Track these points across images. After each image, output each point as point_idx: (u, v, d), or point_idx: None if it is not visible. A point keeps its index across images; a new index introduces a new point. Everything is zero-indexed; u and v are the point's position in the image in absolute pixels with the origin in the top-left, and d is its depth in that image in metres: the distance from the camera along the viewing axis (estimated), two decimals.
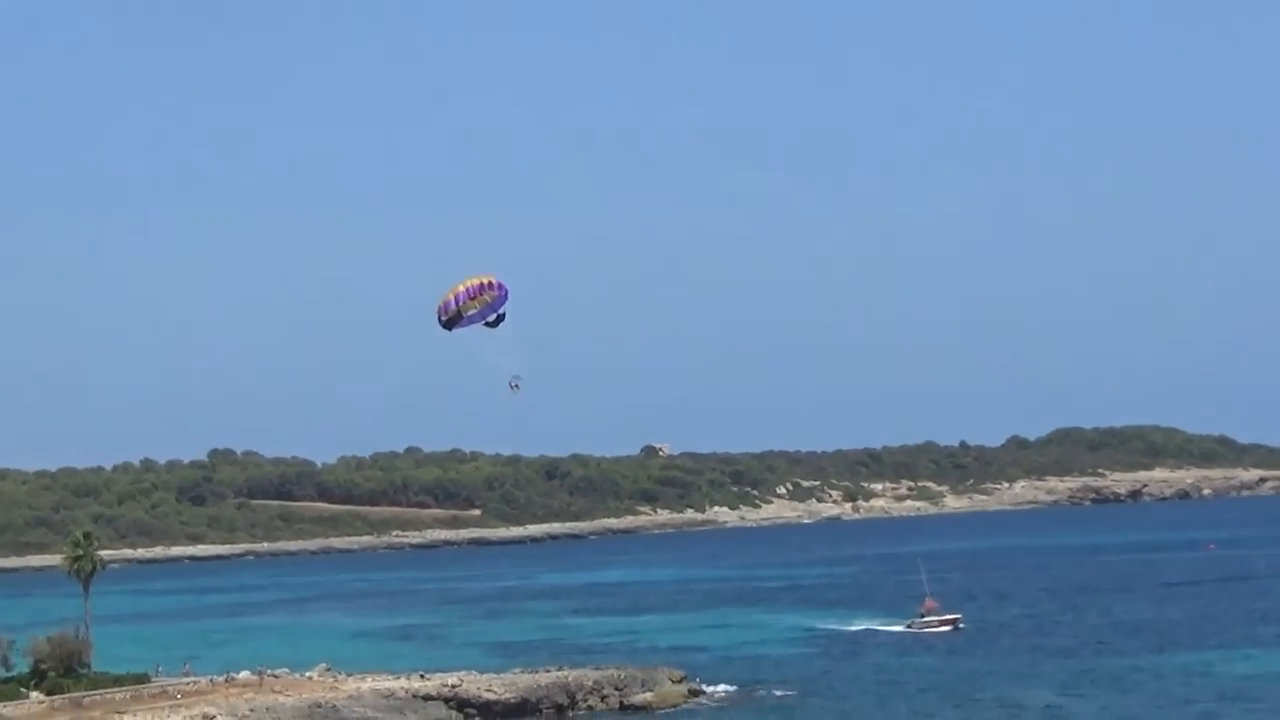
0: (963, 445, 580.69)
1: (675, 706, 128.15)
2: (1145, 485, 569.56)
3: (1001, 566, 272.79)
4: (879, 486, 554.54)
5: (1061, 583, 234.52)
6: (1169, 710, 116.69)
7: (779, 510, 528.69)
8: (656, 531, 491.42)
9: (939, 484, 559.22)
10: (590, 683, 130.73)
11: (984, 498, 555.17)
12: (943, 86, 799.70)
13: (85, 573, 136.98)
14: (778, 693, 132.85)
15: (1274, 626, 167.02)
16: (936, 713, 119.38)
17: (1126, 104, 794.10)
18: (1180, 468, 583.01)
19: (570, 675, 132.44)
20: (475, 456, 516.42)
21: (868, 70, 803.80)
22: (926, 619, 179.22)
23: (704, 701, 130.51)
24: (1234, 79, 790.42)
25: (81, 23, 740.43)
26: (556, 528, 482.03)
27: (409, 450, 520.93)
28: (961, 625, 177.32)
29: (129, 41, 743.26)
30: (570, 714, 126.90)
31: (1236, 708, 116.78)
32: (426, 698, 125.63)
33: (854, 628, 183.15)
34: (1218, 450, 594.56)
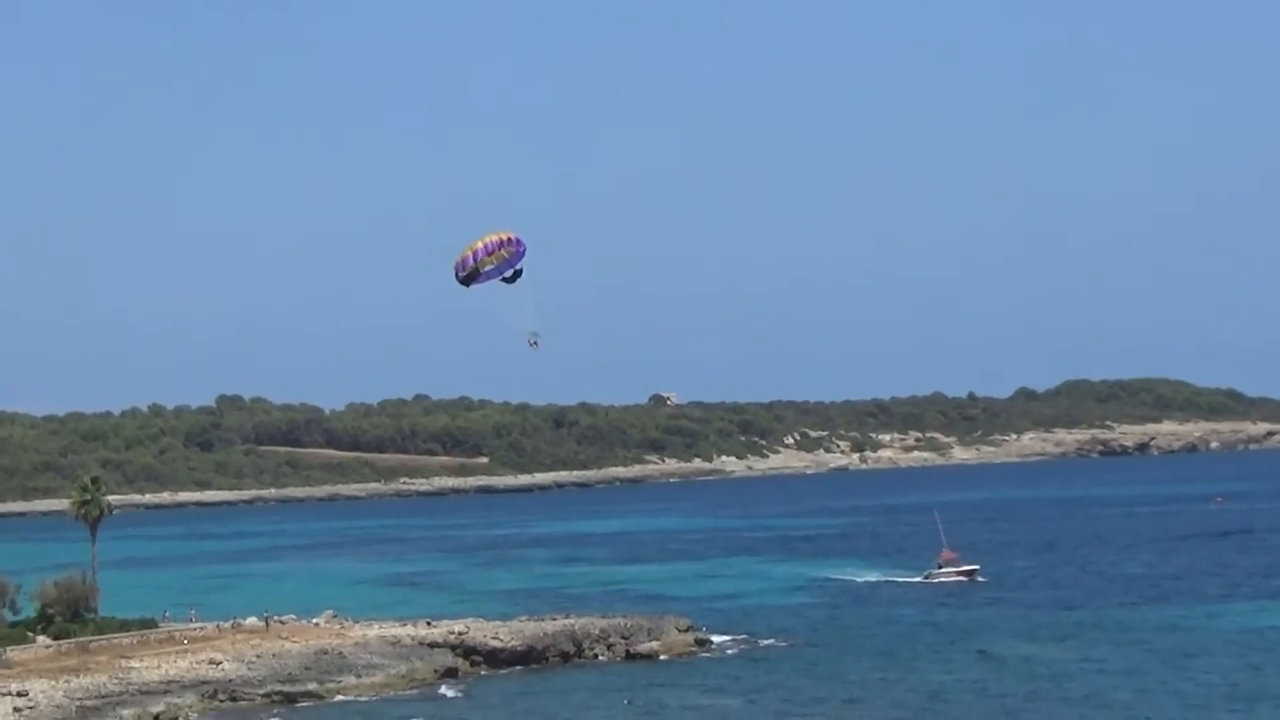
0: (971, 397, 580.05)
1: (682, 656, 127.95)
2: (1153, 438, 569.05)
3: (1012, 519, 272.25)
4: (887, 437, 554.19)
5: (1073, 535, 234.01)
6: (1173, 663, 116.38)
7: (786, 460, 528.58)
8: (664, 481, 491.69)
9: (947, 435, 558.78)
10: (597, 631, 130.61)
11: (992, 449, 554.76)
12: (955, 30, 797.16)
13: (92, 518, 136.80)
14: (785, 643, 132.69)
15: None
16: (941, 663, 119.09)
17: (1129, 61, 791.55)
18: (1188, 421, 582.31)
19: (577, 623, 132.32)
20: (483, 404, 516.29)
21: (875, 19, 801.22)
22: (944, 570, 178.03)
23: (712, 651, 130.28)
24: (1237, 33, 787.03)
25: None
26: (564, 476, 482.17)
27: (417, 398, 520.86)
28: (980, 577, 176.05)
29: None
30: (576, 662, 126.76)
31: (1244, 661, 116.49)
32: (433, 645, 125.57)
33: (867, 579, 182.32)
34: (1226, 403, 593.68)
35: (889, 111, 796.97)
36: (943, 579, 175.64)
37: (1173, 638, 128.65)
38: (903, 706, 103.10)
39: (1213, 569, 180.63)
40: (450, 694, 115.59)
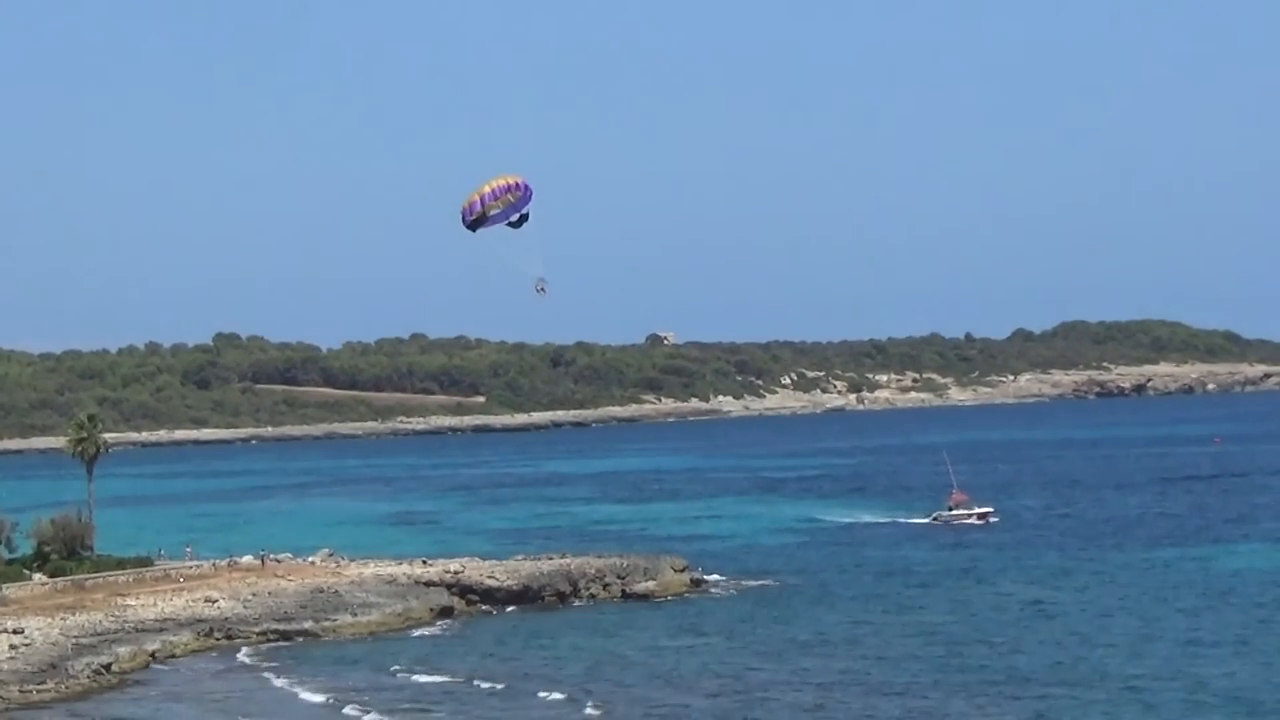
0: (968, 337, 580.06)
1: (679, 595, 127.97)
2: (1150, 380, 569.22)
3: (1014, 460, 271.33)
4: (884, 378, 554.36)
5: (1077, 476, 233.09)
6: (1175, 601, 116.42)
7: (783, 400, 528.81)
8: (661, 421, 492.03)
9: (944, 376, 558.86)
10: (593, 571, 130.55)
11: (989, 390, 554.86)
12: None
13: (89, 455, 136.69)
14: (779, 583, 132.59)
15: None
16: (938, 604, 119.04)
17: (1131, 10, 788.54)
18: (1185, 362, 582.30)
19: (573, 563, 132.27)
20: (480, 343, 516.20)
21: None
22: (955, 512, 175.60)
23: (709, 591, 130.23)
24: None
25: None
26: (561, 415, 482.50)
27: (414, 336, 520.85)
28: (993, 519, 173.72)
29: None
30: (573, 601, 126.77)
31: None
32: (429, 584, 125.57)
33: (870, 520, 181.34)
34: (1223, 345, 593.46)
35: (887, 58, 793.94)
36: (954, 520, 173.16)
37: (1191, 577, 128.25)
38: (893, 647, 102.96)
39: (1223, 509, 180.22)
40: (445, 633, 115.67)
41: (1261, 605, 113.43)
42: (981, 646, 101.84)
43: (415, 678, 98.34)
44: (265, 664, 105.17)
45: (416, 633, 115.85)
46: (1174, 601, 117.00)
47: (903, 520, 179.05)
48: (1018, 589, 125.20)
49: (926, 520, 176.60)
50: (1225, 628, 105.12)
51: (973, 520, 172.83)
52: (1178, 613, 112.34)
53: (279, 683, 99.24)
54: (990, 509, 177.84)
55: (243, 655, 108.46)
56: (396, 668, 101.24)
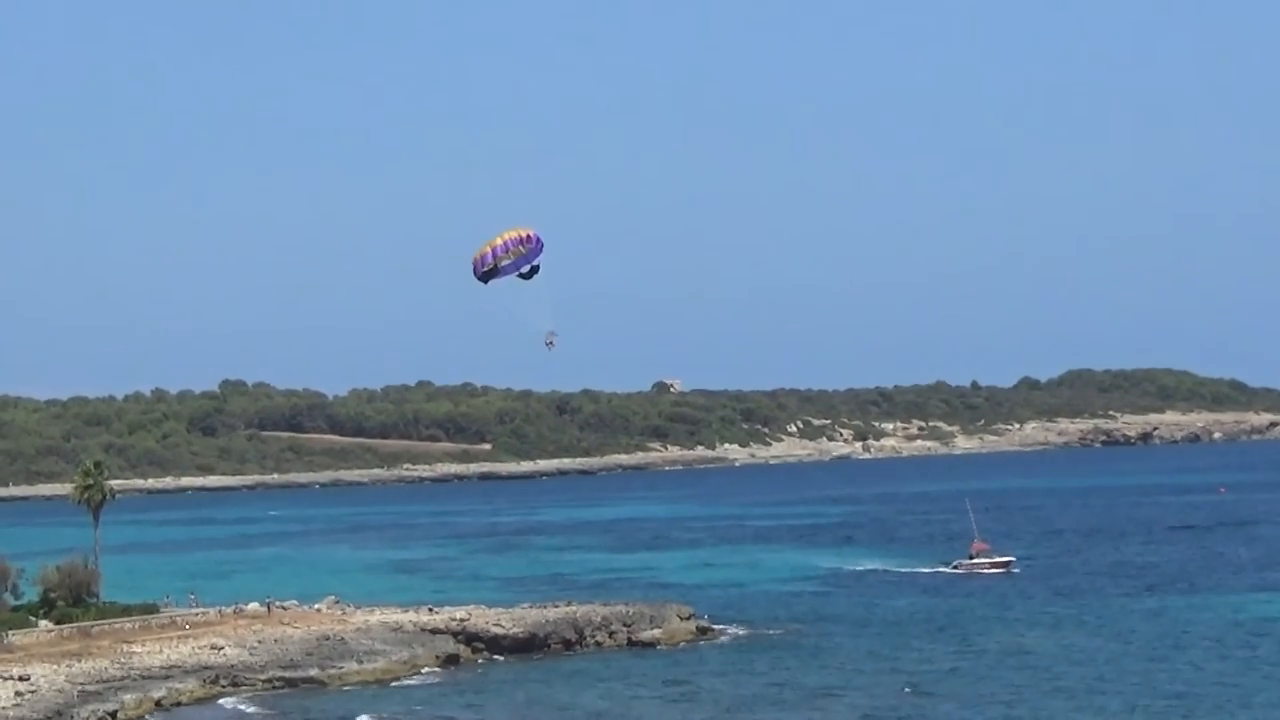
0: (974, 385, 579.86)
1: (685, 643, 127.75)
2: (1156, 428, 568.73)
3: (1029, 508, 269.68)
4: (890, 426, 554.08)
5: (1093, 524, 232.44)
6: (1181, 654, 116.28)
7: (789, 448, 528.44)
8: (667, 468, 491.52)
9: (950, 424, 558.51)
10: (598, 618, 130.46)
11: (995, 438, 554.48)
12: (951, 43, 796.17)
13: (95, 502, 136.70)
14: (786, 630, 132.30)
15: None
16: (942, 652, 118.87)
17: (1139, 54, 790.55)
18: (1191, 411, 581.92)
19: (578, 611, 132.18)
20: (486, 391, 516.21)
21: (875, 26, 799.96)
22: (976, 560, 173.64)
23: (717, 639, 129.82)
24: (1242, 35, 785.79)
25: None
26: (567, 463, 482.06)
27: (420, 383, 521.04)
28: (1015, 569, 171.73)
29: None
30: (578, 649, 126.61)
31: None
32: (435, 631, 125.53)
33: (886, 568, 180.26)
34: (1228, 394, 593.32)
35: (893, 101, 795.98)
36: (975, 569, 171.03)
37: (1192, 626, 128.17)
38: (893, 695, 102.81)
39: (1228, 558, 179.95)
40: (452, 681, 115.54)
41: None
42: (973, 694, 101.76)
43: None
44: (270, 712, 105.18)
45: (422, 680, 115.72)
46: (1207, 651, 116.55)
47: (924, 570, 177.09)
48: (1039, 639, 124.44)
49: (946, 569, 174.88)
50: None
51: (994, 570, 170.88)
52: (1222, 660, 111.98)
53: None
54: (1013, 558, 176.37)
55: (248, 703, 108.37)
56: (402, 715, 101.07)
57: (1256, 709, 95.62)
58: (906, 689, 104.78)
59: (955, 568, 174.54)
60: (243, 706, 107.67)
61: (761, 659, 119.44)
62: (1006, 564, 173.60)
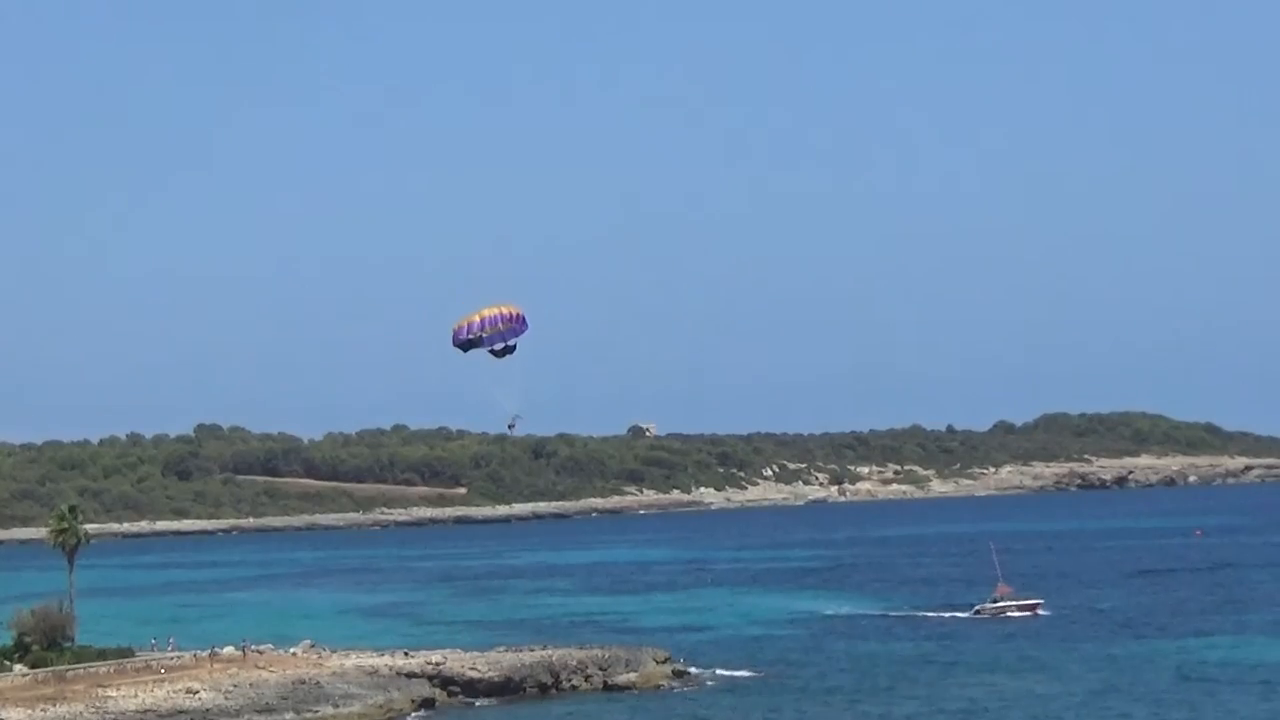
0: (949, 429, 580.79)
1: (661, 687, 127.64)
2: (1131, 472, 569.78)
3: (1027, 551, 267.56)
4: (865, 470, 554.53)
5: (1096, 567, 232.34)
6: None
7: (765, 492, 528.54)
8: (642, 512, 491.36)
9: (925, 468, 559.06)
10: (574, 662, 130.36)
11: (970, 482, 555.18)
12: (939, 73, 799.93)
13: (70, 546, 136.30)
14: (765, 674, 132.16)
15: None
16: (924, 696, 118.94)
17: (1119, 95, 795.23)
18: (1166, 455, 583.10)
19: (554, 654, 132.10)
20: (462, 434, 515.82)
21: (868, 59, 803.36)
22: (1000, 604, 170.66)
23: (695, 683, 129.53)
24: (1232, 70, 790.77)
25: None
26: (542, 507, 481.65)
27: (395, 427, 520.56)
28: (1043, 611, 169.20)
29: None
30: (554, 693, 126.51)
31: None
32: (410, 675, 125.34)
33: (865, 611, 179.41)
34: (1204, 438, 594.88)
35: (872, 150, 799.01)
36: (1001, 613, 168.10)
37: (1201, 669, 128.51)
38: None
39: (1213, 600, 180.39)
40: None
41: None
42: None
43: None
44: None
45: None
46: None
47: (944, 614, 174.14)
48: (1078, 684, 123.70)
49: (967, 614, 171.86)
50: None
51: (1021, 613, 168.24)
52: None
53: None
54: (1040, 600, 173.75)
55: None
56: None
57: None
58: None
59: (977, 612, 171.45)
60: None
61: (739, 703, 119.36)
62: (1033, 606, 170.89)
